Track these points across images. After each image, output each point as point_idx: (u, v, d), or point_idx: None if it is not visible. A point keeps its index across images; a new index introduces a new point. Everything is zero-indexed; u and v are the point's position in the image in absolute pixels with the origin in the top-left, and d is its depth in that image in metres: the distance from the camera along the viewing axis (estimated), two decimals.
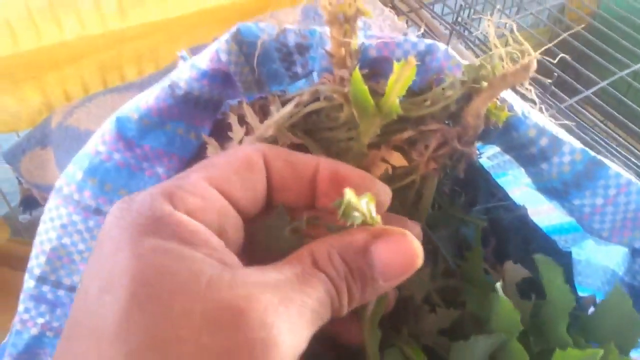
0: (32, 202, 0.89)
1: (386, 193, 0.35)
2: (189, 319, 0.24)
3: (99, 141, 0.44)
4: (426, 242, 0.46)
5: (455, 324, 0.41)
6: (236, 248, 0.32)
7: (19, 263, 0.44)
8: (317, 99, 0.43)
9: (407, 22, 0.98)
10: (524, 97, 0.40)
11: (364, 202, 0.31)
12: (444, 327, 0.41)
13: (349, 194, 0.29)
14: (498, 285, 0.38)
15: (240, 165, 0.33)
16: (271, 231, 0.35)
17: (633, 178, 0.40)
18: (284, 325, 0.26)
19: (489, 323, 0.40)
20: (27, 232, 0.90)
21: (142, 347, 0.23)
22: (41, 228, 0.45)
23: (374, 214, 0.31)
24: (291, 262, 0.30)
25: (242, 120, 0.45)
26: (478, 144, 0.47)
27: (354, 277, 0.30)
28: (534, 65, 0.35)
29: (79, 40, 0.78)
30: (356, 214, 0.30)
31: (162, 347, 0.23)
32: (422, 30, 0.92)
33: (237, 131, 0.44)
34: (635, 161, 0.83)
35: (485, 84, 0.38)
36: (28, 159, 0.80)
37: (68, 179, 0.44)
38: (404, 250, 0.31)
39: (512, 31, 0.36)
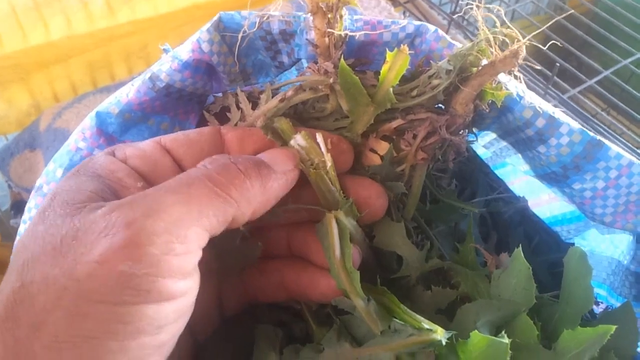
0: (22, 207, 0.88)
1: (347, 143, 0.39)
2: (54, 238, 0.27)
3: (79, 137, 0.42)
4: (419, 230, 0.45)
5: (448, 306, 0.39)
6: None
7: None
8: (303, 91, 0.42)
9: (404, 13, 0.97)
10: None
11: (298, 135, 0.35)
12: (441, 308, 0.39)
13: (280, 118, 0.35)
14: (520, 250, 0.37)
15: (192, 131, 0.36)
16: (223, 243, 0.35)
17: (634, 158, 0.38)
18: (134, 216, 0.27)
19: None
20: None
21: (25, 261, 0.27)
22: (21, 229, 0.44)
23: (298, 141, 0.35)
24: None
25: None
26: (474, 130, 0.45)
27: (238, 160, 0.32)
28: (523, 52, 0.34)
29: (66, 39, 0.77)
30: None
31: (35, 261, 0.27)
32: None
33: (235, 113, 0.42)
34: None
35: (474, 69, 0.37)
36: (17, 162, 0.78)
37: (48, 177, 0.43)
38: (281, 150, 0.35)
39: (499, 16, 0.35)
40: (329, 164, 0.35)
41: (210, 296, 0.37)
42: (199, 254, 0.29)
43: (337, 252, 0.35)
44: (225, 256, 0.37)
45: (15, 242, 0.31)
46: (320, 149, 0.35)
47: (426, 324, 0.33)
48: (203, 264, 0.29)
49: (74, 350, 0.25)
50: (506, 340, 0.32)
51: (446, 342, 0.33)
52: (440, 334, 0.32)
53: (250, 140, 0.37)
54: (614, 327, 0.32)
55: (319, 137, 0.35)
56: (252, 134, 0.37)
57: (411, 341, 0.33)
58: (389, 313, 0.35)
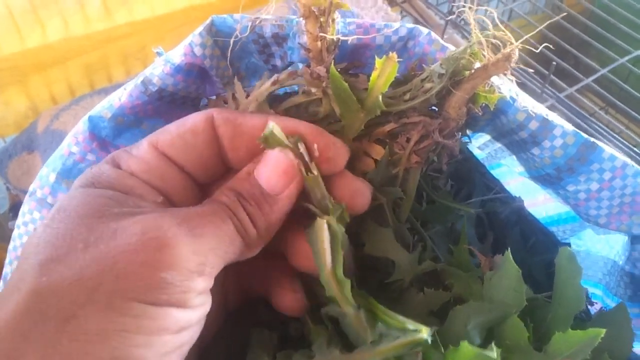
0: None
1: (337, 147, 0.37)
2: (85, 236, 0.28)
3: (72, 142, 0.42)
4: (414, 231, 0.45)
5: (441, 308, 0.39)
6: (187, 204, 0.35)
7: None
8: (295, 93, 0.42)
9: (401, 13, 0.96)
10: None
11: (292, 139, 0.35)
12: (433, 310, 0.39)
13: (272, 124, 0.34)
14: (508, 252, 0.37)
15: (186, 130, 0.36)
16: None
17: (628, 160, 0.38)
18: (181, 233, 0.29)
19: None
20: None
21: (49, 257, 0.27)
22: (15, 233, 0.44)
23: (300, 147, 0.35)
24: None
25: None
26: (468, 132, 0.45)
27: (246, 199, 0.33)
28: (516, 55, 0.34)
29: (63, 42, 0.77)
30: (275, 140, 0.34)
31: (62, 257, 0.27)
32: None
33: (231, 105, 0.42)
34: (638, 150, 0.81)
35: (467, 72, 0.37)
36: (15, 164, 0.79)
37: (42, 182, 0.43)
38: (280, 160, 0.35)
39: (493, 19, 0.35)
40: (315, 172, 0.35)
41: (215, 296, 0.37)
42: (214, 277, 0.31)
43: (328, 259, 0.34)
44: None
45: (26, 240, 0.32)
46: (305, 158, 0.35)
47: (410, 324, 0.33)
48: None
49: (103, 342, 0.26)
50: (494, 353, 0.32)
51: (436, 349, 0.33)
52: (425, 332, 0.32)
53: (240, 139, 0.37)
54: (604, 330, 0.32)
55: (302, 148, 0.35)
56: (243, 132, 0.37)
57: (398, 344, 0.33)
58: (373, 317, 0.35)
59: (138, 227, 0.29)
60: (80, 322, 0.26)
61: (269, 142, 0.35)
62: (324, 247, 0.34)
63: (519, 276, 0.36)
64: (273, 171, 0.35)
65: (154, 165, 0.35)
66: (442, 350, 0.34)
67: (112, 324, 0.26)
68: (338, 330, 0.37)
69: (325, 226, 0.34)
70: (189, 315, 0.29)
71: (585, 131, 0.40)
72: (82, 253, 0.28)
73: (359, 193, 0.38)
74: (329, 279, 0.34)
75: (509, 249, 0.37)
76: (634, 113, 0.85)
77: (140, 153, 0.35)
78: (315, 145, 0.36)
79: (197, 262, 0.29)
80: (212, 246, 0.30)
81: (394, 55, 0.35)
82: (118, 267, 0.27)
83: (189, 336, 0.30)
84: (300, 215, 0.37)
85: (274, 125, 0.34)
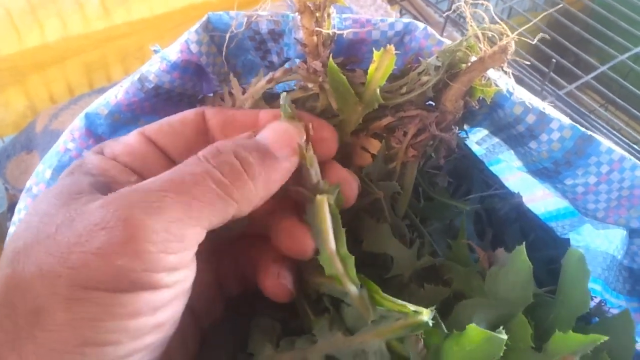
0: None
1: (330, 129, 0.37)
2: (50, 226, 0.28)
3: (68, 138, 0.42)
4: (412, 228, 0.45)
5: (443, 305, 0.39)
6: None
7: None
8: (292, 89, 0.42)
9: (400, 11, 0.96)
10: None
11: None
12: (434, 305, 0.39)
13: (284, 94, 0.35)
14: (522, 247, 0.37)
15: (176, 120, 0.37)
16: None
17: (626, 153, 0.38)
18: (137, 214, 0.27)
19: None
20: None
21: (17, 250, 0.27)
22: (10, 230, 0.44)
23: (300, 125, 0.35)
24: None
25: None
26: (465, 127, 0.45)
27: (245, 150, 0.32)
28: (512, 47, 0.34)
29: (62, 41, 0.77)
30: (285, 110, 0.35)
31: (27, 249, 0.27)
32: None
33: (227, 101, 0.43)
34: (638, 147, 0.81)
35: (463, 65, 0.37)
36: (14, 164, 0.79)
37: (37, 178, 0.43)
38: (287, 128, 0.34)
39: (490, 14, 0.35)
40: (311, 152, 0.35)
41: (208, 277, 0.37)
42: (195, 249, 0.29)
43: (330, 236, 0.33)
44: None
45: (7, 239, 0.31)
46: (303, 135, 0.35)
47: (411, 306, 0.32)
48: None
49: (75, 332, 0.25)
50: (504, 336, 0.31)
51: (441, 335, 0.33)
52: (426, 314, 0.32)
53: (231, 127, 0.36)
54: (605, 337, 0.32)
55: (301, 126, 0.35)
56: (235, 120, 0.36)
57: (399, 325, 0.32)
58: (374, 300, 0.34)
59: (94, 215, 0.27)
60: (48, 314, 0.25)
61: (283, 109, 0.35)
62: (325, 224, 0.33)
63: (530, 273, 0.35)
64: (279, 136, 0.34)
65: (137, 149, 0.35)
66: (445, 330, 0.33)
67: (80, 314, 0.25)
68: (340, 315, 0.36)
69: (326, 203, 0.33)
70: (163, 294, 0.28)
71: (585, 128, 0.40)
72: (44, 244, 0.27)
73: (346, 182, 0.37)
74: (332, 256, 0.33)
75: (522, 244, 0.37)
76: (633, 110, 0.85)
77: (126, 139, 0.35)
78: (311, 125, 0.36)
79: (158, 241, 0.27)
80: (175, 217, 0.28)
81: (391, 47, 0.35)
82: (73, 259, 0.26)
83: (167, 315, 0.29)
84: (287, 202, 0.36)
85: (286, 96, 0.35)
